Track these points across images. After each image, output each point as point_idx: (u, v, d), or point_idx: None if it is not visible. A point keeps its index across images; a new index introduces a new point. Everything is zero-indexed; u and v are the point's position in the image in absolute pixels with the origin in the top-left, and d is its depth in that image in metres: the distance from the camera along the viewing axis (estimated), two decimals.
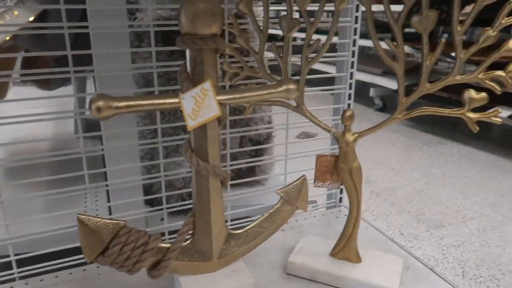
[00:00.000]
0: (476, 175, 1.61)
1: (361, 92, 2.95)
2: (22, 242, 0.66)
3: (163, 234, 0.76)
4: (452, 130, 2.17)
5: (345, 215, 0.88)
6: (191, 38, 0.45)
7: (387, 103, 2.69)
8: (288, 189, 0.57)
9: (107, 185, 0.73)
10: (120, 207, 0.74)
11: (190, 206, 0.79)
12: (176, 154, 0.80)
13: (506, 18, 0.50)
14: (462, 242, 1.13)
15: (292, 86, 0.51)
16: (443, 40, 0.54)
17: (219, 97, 0.47)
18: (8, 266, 0.65)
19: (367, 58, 2.99)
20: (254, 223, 0.55)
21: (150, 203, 0.81)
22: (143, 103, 0.45)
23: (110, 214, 0.75)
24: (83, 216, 0.45)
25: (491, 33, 0.51)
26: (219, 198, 0.51)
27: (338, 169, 0.63)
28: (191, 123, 0.45)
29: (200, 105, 0.45)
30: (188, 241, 0.51)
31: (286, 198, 0.56)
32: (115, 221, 0.46)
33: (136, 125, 0.74)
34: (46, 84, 1.17)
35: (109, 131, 0.70)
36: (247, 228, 0.55)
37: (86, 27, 0.63)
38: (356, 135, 0.61)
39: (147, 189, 0.82)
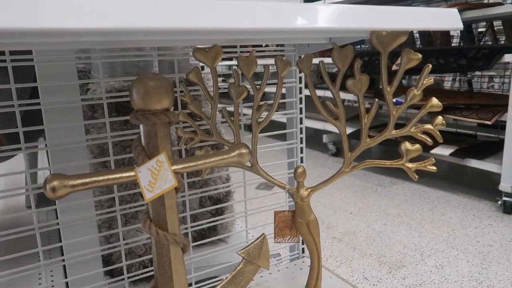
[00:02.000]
0: (429, 212, 1.69)
1: (315, 138, 3.07)
2: None
3: None
4: (402, 170, 2.29)
5: (309, 266, 0.90)
6: (144, 114, 0.47)
7: (340, 148, 2.81)
8: (249, 249, 0.58)
9: (63, 260, 0.70)
10: (79, 282, 0.71)
11: (153, 273, 0.77)
12: (135, 220, 0.79)
13: (426, 79, 0.57)
14: (423, 280, 1.17)
15: (244, 151, 0.54)
16: (376, 100, 0.60)
17: (174, 167, 0.49)
18: None
19: (316, 106, 3.13)
20: (218, 287, 0.55)
21: (110, 273, 0.79)
22: (99, 179, 0.46)
23: None
24: None
25: (416, 93, 0.58)
26: (181, 265, 0.51)
27: (296, 223, 0.65)
28: (149, 195, 0.46)
29: (156, 177, 0.46)
30: None
31: (248, 258, 0.57)
32: None
33: (93, 194, 0.73)
34: None
35: (64, 204, 0.69)
36: None
37: (38, 103, 0.64)
38: (309, 189, 0.65)
39: (107, 259, 0.80)
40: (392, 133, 0.60)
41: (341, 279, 0.83)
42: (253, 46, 0.87)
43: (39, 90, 0.65)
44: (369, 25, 0.53)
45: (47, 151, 1.46)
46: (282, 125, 0.89)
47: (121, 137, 0.73)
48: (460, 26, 0.55)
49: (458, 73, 3.03)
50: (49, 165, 0.68)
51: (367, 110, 0.60)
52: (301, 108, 0.91)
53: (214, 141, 0.66)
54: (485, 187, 1.99)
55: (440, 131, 0.60)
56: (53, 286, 0.78)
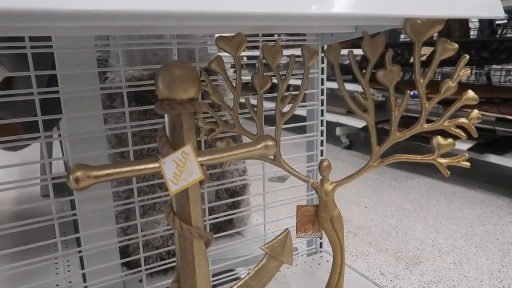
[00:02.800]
0: (446, 208, 1.66)
1: (328, 131, 3.04)
2: None
3: None
4: (418, 164, 2.26)
5: (327, 261, 0.89)
6: (170, 103, 0.45)
7: (354, 141, 2.78)
8: (272, 244, 0.56)
9: (80, 251, 0.69)
10: (95, 273, 0.71)
11: (170, 265, 0.76)
12: (153, 212, 0.78)
13: (463, 70, 0.55)
14: (441, 277, 1.14)
15: (270, 143, 0.52)
16: (408, 91, 0.57)
17: (199, 159, 0.47)
18: None
19: (330, 99, 3.10)
20: (241, 282, 0.54)
21: (127, 264, 0.78)
22: (123, 170, 0.44)
23: (85, 281, 0.71)
24: None
25: (451, 85, 0.55)
26: (204, 260, 0.50)
27: (319, 218, 0.63)
28: (174, 187, 0.44)
29: (181, 169, 0.45)
30: None
31: (271, 254, 0.56)
32: None
33: (111, 185, 0.72)
34: (11, 147, 1.13)
35: (82, 194, 0.67)
36: None
37: (57, 92, 0.63)
38: (334, 184, 0.62)
39: (124, 250, 0.79)
40: (424, 126, 0.57)
41: (361, 275, 0.81)
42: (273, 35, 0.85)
43: (58, 78, 0.64)
44: (403, 12, 0.50)
45: (61, 141, 1.46)
46: (299, 119, 0.87)
47: (140, 127, 0.71)
48: (502, 14, 0.52)
49: (474, 66, 2.96)
50: (64, 155, 0.67)
51: (379, 103, 0.58)
52: (322, 100, 0.89)
53: (235, 133, 0.64)
54: (503, 183, 1.95)
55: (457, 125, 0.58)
56: (70, 276, 0.78)
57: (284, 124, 0.65)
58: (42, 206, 0.98)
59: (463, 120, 0.56)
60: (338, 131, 2.78)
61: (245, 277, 0.54)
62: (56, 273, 0.78)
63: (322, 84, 0.88)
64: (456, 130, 0.57)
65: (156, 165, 0.45)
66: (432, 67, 0.55)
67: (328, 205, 0.63)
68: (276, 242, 0.57)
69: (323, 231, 0.65)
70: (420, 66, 0.55)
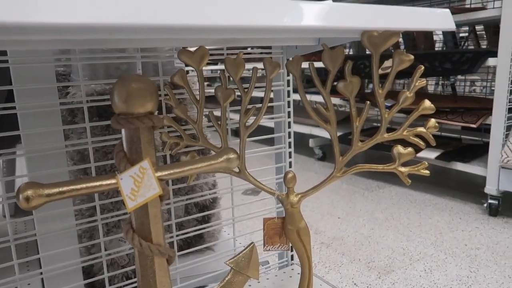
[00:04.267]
0: (416, 216, 1.69)
1: (301, 143, 3.06)
2: None
3: None
4: (389, 173, 2.30)
5: (298, 274, 0.88)
6: (126, 117, 0.45)
7: (327, 152, 2.80)
8: (237, 259, 0.56)
9: (41, 273, 0.67)
10: None
11: (136, 285, 0.74)
12: (117, 230, 0.76)
13: (419, 81, 0.56)
14: (412, 285, 1.16)
15: (232, 156, 0.51)
16: (368, 102, 0.58)
17: (158, 174, 0.46)
18: None
19: (303, 111, 3.14)
20: None
21: (91, 285, 0.75)
22: (77, 187, 0.43)
23: None
24: None
25: (408, 95, 0.56)
26: (166, 278, 0.48)
27: (286, 230, 0.63)
28: (131, 204, 0.43)
29: (139, 184, 0.44)
30: None
31: (237, 269, 0.55)
32: None
33: (73, 203, 0.70)
34: None
35: (41, 213, 0.65)
36: None
37: (14, 107, 0.61)
38: (300, 195, 0.62)
39: (88, 271, 0.76)
40: (384, 136, 0.58)
41: (332, 287, 0.81)
42: (240, 49, 0.85)
43: (14, 94, 0.62)
44: (359, 25, 0.51)
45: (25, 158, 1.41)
46: (268, 130, 0.87)
47: (103, 142, 0.70)
48: (453, 26, 0.54)
49: (441, 78, 3.07)
50: (26, 173, 0.65)
51: (358, 114, 0.59)
52: (289, 112, 0.89)
53: (200, 146, 0.64)
54: (470, 190, 2.00)
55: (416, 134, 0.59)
56: None
57: (253, 136, 0.65)
58: (5, 227, 0.94)
59: (421, 129, 0.58)
60: (311, 142, 2.81)
61: None
62: None
63: (289, 96, 0.88)
64: (415, 139, 0.58)
65: (113, 181, 0.44)
66: (390, 78, 0.56)
67: (294, 216, 0.63)
68: (241, 256, 0.56)
69: (290, 244, 0.65)
70: (378, 77, 0.56)
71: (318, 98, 2.78)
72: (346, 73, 0.57)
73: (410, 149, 0.58)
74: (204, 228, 0.89)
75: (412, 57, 0.56)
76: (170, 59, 0.87)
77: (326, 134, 2.70)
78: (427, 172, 0.59)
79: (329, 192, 2.00)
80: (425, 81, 0.57)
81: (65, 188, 0.42)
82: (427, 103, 0.57)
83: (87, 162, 0.74)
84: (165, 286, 0.48)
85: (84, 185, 0.43)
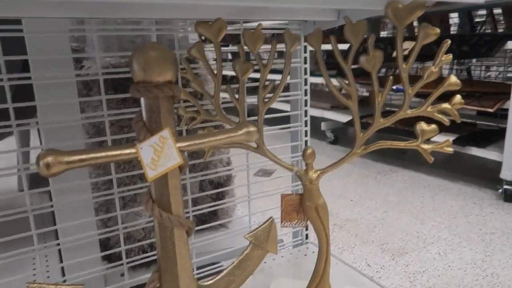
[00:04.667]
0: (430, 200, 1.67)
1: (313, 126, 3.04)
2: None
3: None
4: (401, 158, 2.27)
5: (313, 252, 0.88)
6: (146, 86, 0.44)
7: (338, 136, 2.78)
8: (256, 233, 0.55)
9: (58, 244, 0.67)
10: (75, 267, 0.68)
11: (152, 258, 0.74)
12: (134, 203, 0.76)
13: (444, 56, 0.54)
14: (426, 268, 1.15)
15: (252, 129, 0.50)
16: (391, 77, 0.57)
17: (178, 144, 0.45)
18: None
19: (314, 94, 3.10)
20: (224, 272, 0.53)
21: (108, 258, 0.76)
22: (97, 155, 0.42)
23: (64, 275, 0.69)
24: (34, 285, 0.41)
25: (433, 70, 0.54)
26: (185, 249, 0.48)
27: (304, 207, 0.62)
28: (151, 173, 0.42)
29: (159, 154, 0.43)
30: None
31: (256, 243, 0.54)
32: (71, 286, 0.42)
33: (89, 176, 0.70)
34: None
35: (58, 185, 0.65)
36: (217, 278, 0.52)
37: (29, 78, 0.60)
38: (319, 172, 0.61)
39: (104, 244, 0.77)
40: (407, 112, 0.57)
41: (347, 265, 0.81)
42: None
43: (29, 64, 0.61)
44: None
45: (39, 132, 1.42)
46: (281, 112, 0.85)
47: (118, 116, 0.69)
48: (481, 0, 0.51)
49: (455, 62, 3.00)
50: (41, 145, 0.65)
51: (363, 98, 0.57)
52: (306, 90, 0.88)
53: (217, 121, 0.63)
54: (485, 175, 1.97)
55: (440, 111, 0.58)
56: (48, 271, 0.75)
57: (266, 115, 0.64)
58: (21, 200, 0.94)
59: (445, 105, 0.56)
60: (323, 126, 2.79)
61: (228, 266, 0.53)
62: (34, 268, 0.75)
63: (305, 73, 0.87)
64: (439, 115, 0.56)
65: (132, 150, 0.44)
66: (414, 53, 0.54)
67: (313, 193, 0.62)
68: (260, 230, 0.55)
69: (308, 220, 0.65)
70: (402, 51, 0.54)
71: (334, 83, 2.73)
72: (369, 47, 0.55)
73: (434, 126, 0.57)
74: (218, 205, 0.89)
75: (438, 30, 0.53)
76: (185, 33, 0.86)
77: (338, 117, 2.67)
78: (451, 150, 0.57)
79: (342, 175, 1.99)
80: (451, 56, 0.55)
81: (85, 156, 0.41)
82: (452, 78, 0.55)
83: (102, 135, 0.74)
84: (184, 257, 0.48)
85: (104, 154, 0.42)
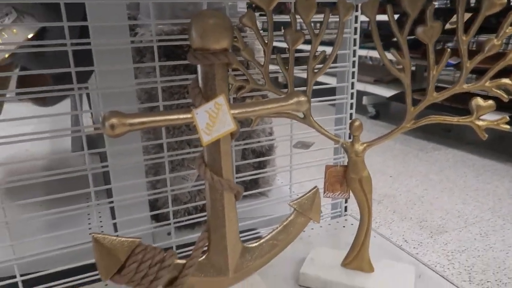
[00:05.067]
0: (473, 180, 1.62)
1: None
2: (28, 262, 0.64)
3: (169, 249, 0.76)
4: (445, 136, 2.20)
5: (352, 225, 0.89)
6: (203, 53, 0.45)
7: (380, 111, 2.72)
8: (301, 201, 0.57)
9: (111, 202, 0.72)
10: (126, 224, 0.73)
11: (197, 220, 0.78)
12: (181, 168, 0.79)
13: (510, 27, 0.51)
14: (466, 247, 1.13)
15: (302, 99, 0.51)
16: (449, 49, 0.55)
17: (232, 111, 0.46)
18: (14, 287, 0.63)
19: (358, 67, 3.03)
20: (269, 236, 0.55)
21: (155, 218, 0.80)
22: (156, 119, 0.44)
23: (116, 231, 0.74)
24: (99, 235, 0.44)
25: (496, 42, 0.52)
26: (233, 212, 0.50)
27: (348, 179, 0.63)
28: (206, 138, 0.44)
29: (214, 120, 0.45)
30: (203, 257, 0.51)
31: (300, 210, 0.56)
32: (130, 239, 0.46)
33: (141, 140, 0.73)
34: (42, 101, 1.15)
35: (113, 147, 0.69)
36: (261, 241, 0.54)
37: (88, 43, 0.63)
38: (365, 144, 0.61)
39: (152, 204, 0.81)
40: (463, 87, 0.55)
41: (386, 239, 0.81)
42: None
43: (89, 30, 0.64)
44: None
45: (89, 98, 1.49)
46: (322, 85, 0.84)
47: (170, 83, 0.71)
48: None
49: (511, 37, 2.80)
50: (91, 109, 0.68)
51: (410, 73, 0.55)
52: (354, 61, 0.86)
53: (266, 90, 0.64)
54: None
55: (491, 96, 0.55)
56: (101, 226, 0.81)
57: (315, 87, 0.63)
58: (73, 162, 1.00)
59: (506, 80, 0.54)
60: (364, 100, 2.73)
61: (273, 231, 0.55)
62: (89, 223, 0.81)
63: (355, 45, 0.85)
64: (498, 91, 0.54)
65: (188, 115, 0.45)
66: (477, 23, 0.52)
67: (358, 165, 0.62)
68: (304, 199, 0.57)
69: (350, 192, 0.65)
70: (463, 22, 0.52)
71: (376, 54, 2.66)
72: (427, 17, 0.53)
73: (490, 101, 0.55)
74: (260, 174, 0.91)
75: (504, 0, 0.51)
76: (234, 1, 0.86)
77: (380, 92, 2.61)
78: (507, 126, 0.55)
79: (382, 151, 1.96)
80: None
81: (145, 119, 0.44)
82: None
83: (153, 101, 0.77)
84: (232, 220, 0.51)
85: (162, 118, 0.44)
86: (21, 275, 0.64)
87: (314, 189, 0.58)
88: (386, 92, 2.53)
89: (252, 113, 0.49)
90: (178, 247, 0.77)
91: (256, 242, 0.54)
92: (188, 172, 0.79)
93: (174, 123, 0.45)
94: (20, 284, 0.64)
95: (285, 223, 0.55)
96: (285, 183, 1.07)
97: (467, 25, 0.53)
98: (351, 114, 0.89)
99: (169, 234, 0.78)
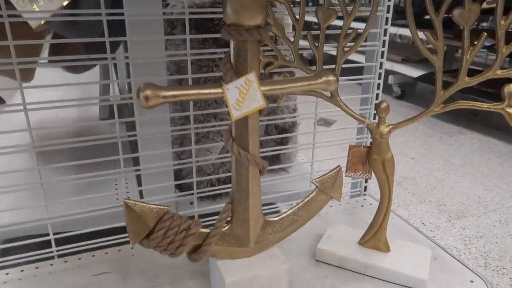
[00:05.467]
0: (497, 166, 1.60)
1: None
2: (60, 222, 0.68)
3: (192, 218, 0.79)
4: (472, 120, 2.15)
5: (371, 204, 0.90)
6: (237, 29, 0.45)
7: (406, 91, 2.66)
8: (323, 179, 0.58)
9: (138, 170, 0.74)
10: (151, 191, 0.76)
11: (219, 192, 0.80)
12: (206, 140, 0.81)
13: None
14: (484, 233, 1.13)
15: (331, 78, 0.51)
16: (485, 33, 0.53)
17: (262, 88, 0.47)
18: (47, 244, 0.68)
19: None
20: (290, 211, 0.56)
21: (179, 187, 0.83)
22: (188, 92, 0.46)
23: (141, 198, 0.77)
24: (130, 201, 0.47)
25: None
26: (257, 186, 0.52)
27: (371, 160, 0.63)
28: (236, 113, 0.45)
29: (244, 96, 0.45)
30: (226, 227, 0.53)
31: (321, 188, 0.57)
32: (159, 206, 0.48)
33: (168, 111, 0.75)
34: (73, 68, 1.18)
35: (142, 117, 0.71)
36: (282, 216, 0.56)
37: (122, 14, 0.64)
38: (390, 126, 0.61)
39: (176, 174, 0.83)
40: (497, 73, 0.54)
41: (404, 220, 0.82)
42: None
43: (123, 1, 0.65)
44: None
45: (115, 67, 1.50)
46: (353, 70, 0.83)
47: (199, 55, 0.72)
48: None
49: None
50: (119, 81, 0.69)
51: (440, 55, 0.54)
52: (384, 41, 0.85)
53: (294, 67, 0.64)
54: None
55: None
56: (128, 192, 0.84)
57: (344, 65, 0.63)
58: (99, 129, 1.03)
59: None
60: (390, 79, 2.67)
61: (294, 206, 0.57)
62: (116, 188, 0.85)
63: (386, 23, 0.83)
64: None
65: (219, 90, 0.46)
66: None
67: (382, 147, 0.62)
68: (327, 177, 0.58)
69: (372, 173, 0.66)
70: (503, 4, 0.51)
71: (406, 32, 2.58)
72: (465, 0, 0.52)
73: None
74: (282, 150, 0.92)
75: None
76: None
77: (407, 71, 2.55)
78: None
79: (404, 131, 1.94)
80: None
81: (178, 92, 0.45)
82: None
83: (182, 73, 0.78)
84: (256, 193, 0.52)
85: (194, 91, 0.46)
86: (54, 234, 0.68)
87: (337, 168, 0.59)
88: (414, 72, 2.47)
89: (280, 90, 0.50)
90: (200, 216, 0.79)
91: (277, 216, 0.56)
92: (213, 145, 0.80)
93: (205, 97, 0.47)
94: (52, 242, 0.68)
95: (306, 200, 0.57)
96: (306, 160, 1.08)
97: (507, 8, 0.51)
98: (377, 94, 0.89)
99: (191, 203, 0.81)
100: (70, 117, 1.34)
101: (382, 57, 0.86)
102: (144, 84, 0.44)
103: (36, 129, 0.63)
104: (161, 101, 0.44)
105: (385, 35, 0.84)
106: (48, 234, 0.68)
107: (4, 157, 0.62)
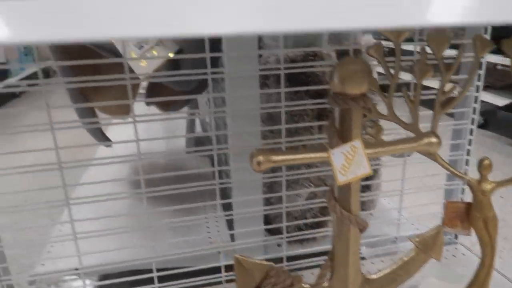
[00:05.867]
0: None
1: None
2: (162, 260, 0.74)
3: (281, 259, 0.81)
4: None
5: (463, 254, 0.86)
6: (343, 98, 0.48)
7: (489, 120, 2.50)
8: (423, 239, 0.57)
9: (231, 214, 0.78)
10: (241, 234, 0.79)
11: (306, 237, 0.82)
12: (295, 185, 0.84)
13: None
14: None
15: (434, 140, 0.51)
16: None
17: (366, 151, 0.49)
18: (150, 280, 0.73)
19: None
20: (389, 270, 0.56)
21: (267, 230, 0.86)
22: (296, 157, 0.49)
23: (233, 241, 0.81)
24: (240, 257, 0.50)
25: None
26: (357, 245, 0.53)
27: (472, 217, 0.61)
28: (342, 178, 0.47)
29: (350, 161, 0.47)
30: (326, 284, 0.54)
31: (422, 248, 0.57)
32: (265, 262, 0.51)
33: None
34: (166, 107, 1.28)
35: (237, 165, 0.75)
36: (382, 274, 0.56)
37: (222, 72, 0.71)
38: (494, 184, 0.59)
39: (265, 217, 0.87)
40: None
41: (504, 277, 0.77)
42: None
43: (224, 60, 0.71)
44: None
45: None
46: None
47: (291, 106, 0.75)
48: None
49: None
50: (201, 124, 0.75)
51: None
52: (478, 86, 0.82)
53: (388, 120, 0.64)
54: None
55: None
56: (219, 236, 0.89)
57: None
58: (185, 161, 1.09)
59: None
60: None
61: (393, 265, 0.57)
62: (208, 231, 0.89)
63: (480, 68, 0.81)
64: None
65: (324, 154, 0.49)
66: None
67: (484, 205, 0.60)
68: (427, 237, 0.57)
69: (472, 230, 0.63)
70: None
71: (492, 59, 2.44)
72: None
73: None
74: (368, 196, 0.91)
75: None
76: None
77: (491, 100, 2.40)
78: None
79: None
80: None
81: (287, 157, 0.48)
82: None
83: (273, 121, 0.82)
84: (355, 252, 0.53)
85: (301, 156, 0.49)
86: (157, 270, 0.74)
87: (438, 228, 0.58)
88: (498, 100, 2.32)
89: (383, 153, 0.51)
90: (288, 259, 0.81)
91: (376, 275, 0.56)
92: (303, 191, 0.83)
93: (311, 161, 0.49)
94: (155, 279, 0.73)
95: (406, 259, 0.57)
96: (391, 203, 1.06)
97: None
98: (469, 140, 0.86)
99: (279, 245, 0.84)
100: (158, 149, 1.45)
101: (475, 102, 0.83)
102: (256, 150, 0.48)
103: (146, 177, 0.70)
104: (271, 165, 0.47)
105: (479, 80, 0.81)
106: (151, 271, 0.73)
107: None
